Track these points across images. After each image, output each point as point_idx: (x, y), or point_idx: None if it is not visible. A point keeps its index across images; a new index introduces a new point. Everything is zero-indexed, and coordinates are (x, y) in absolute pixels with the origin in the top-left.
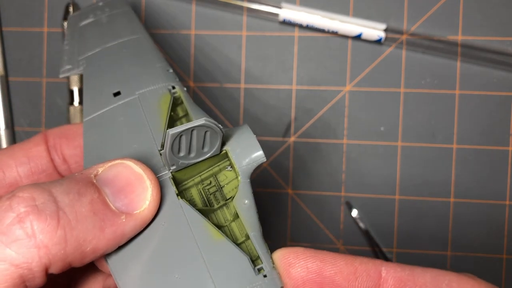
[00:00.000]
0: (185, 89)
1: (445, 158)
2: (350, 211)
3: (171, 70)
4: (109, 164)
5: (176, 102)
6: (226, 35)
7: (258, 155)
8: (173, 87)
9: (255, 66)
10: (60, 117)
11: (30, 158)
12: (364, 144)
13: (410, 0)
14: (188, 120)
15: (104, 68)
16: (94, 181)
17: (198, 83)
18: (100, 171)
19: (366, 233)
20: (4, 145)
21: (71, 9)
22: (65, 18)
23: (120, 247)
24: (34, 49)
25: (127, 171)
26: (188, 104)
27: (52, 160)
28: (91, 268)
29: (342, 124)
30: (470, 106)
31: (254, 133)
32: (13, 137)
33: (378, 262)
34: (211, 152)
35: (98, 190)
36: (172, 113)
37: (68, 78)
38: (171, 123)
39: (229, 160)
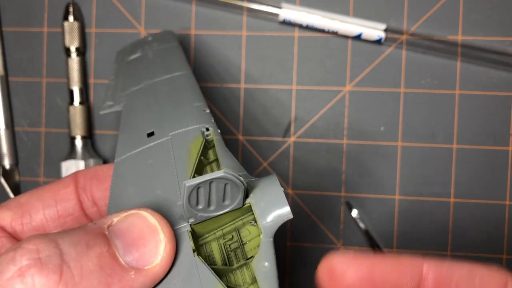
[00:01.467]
0: (219, 131)
1: (445, 158)
2: (350, 211)
3: (207, 110)
4: (125, 214)
5: (208, 145)
6: (226, 35)
7: (285, 212)
8: (207, 129)
9: (255, 66)
10: (60, 117)
11: (58, 201)
12: (364, 144)
13: (410, 0)
14: (218, 166)
15: (142, 107)
16: (106, 233)
17: (198, 83)
18: (114, 221)
19: (366, 233)
20: (4, 145)
21: (71, 9)
22: (65, 18)
23: None
24: (34, 49)
25: (141, 222)
26: (219, 148)
27: (80, 202)
28: None
29: (342, 124)
30: (470, 106)
31: (254, 134)
32: (13, 137)
33: (419, 259)
34: (233, 206)
35: (108, 242)
36: (202, 157)
37: (68, 77)
38: (200, 168)
39: (253, 214)
